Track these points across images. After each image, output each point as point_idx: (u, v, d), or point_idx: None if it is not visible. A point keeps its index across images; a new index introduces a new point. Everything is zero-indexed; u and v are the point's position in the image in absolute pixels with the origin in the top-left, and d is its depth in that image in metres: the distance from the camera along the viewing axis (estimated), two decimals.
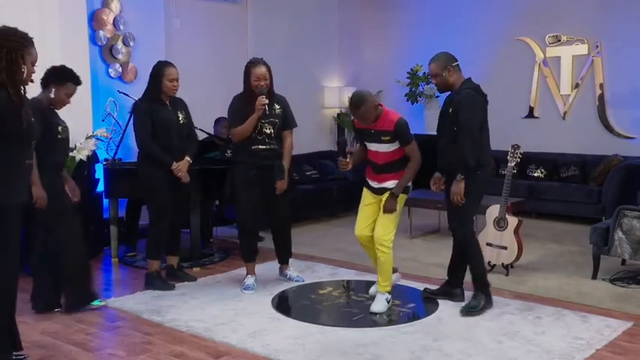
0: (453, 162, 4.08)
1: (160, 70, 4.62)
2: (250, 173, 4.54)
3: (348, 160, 4.25)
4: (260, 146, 4.55)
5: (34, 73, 3.17)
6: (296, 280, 4.85)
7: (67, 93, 4.12)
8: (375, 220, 4.23)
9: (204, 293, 4.58)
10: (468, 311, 4.09)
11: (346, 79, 9.42)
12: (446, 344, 3.59)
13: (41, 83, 4.08)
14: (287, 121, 4.68)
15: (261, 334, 3.77)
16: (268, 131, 4.55)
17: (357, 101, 4.07)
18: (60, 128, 4.11)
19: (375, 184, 4.26)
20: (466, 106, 3.99)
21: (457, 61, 4.16)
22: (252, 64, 4.54)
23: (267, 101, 4.43)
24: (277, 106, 4.62)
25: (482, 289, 4.18)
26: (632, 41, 7.19)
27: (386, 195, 4.15)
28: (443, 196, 4.44)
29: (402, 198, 4.21)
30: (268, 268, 5.16)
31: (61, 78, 4.10)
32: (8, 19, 5.69)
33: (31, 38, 3.14)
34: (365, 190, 4.32)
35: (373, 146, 4.21)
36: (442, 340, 3.64)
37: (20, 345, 3.41)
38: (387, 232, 4.15)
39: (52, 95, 4.06)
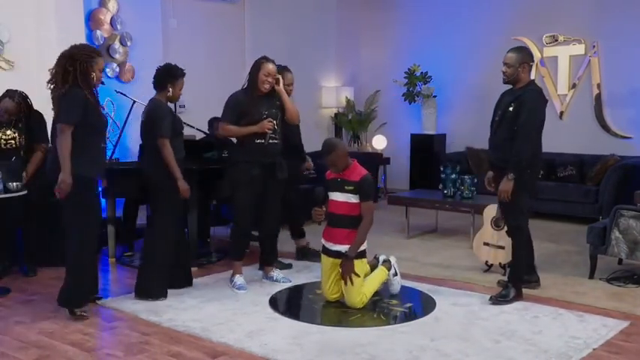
0: (508, 159, 4.19)
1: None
2: (253, 172, 4.53)
3: (323, 209, 4.35)
4: (264, 141, 4.54)
5: (101, 78, 4.07)
6: (282, 282, 4.80)
7: (180, 87, 4.56)
8: (337, 281, 4.29)
9: (202, 293, 4.58)
10: (498, 299, 4.25)
11: (344, 78, 9.43)
12: (443, 344, 3.59)
13: (156, 85, 4.54)
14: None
15: (259, 333, 3.77)
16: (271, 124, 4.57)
17: (328, 147, 4.22)
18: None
19: (330, 245, 4.31)
20: (530, 107, 4.12)
21: (534, 62, 4.32)
22: (264, 59, 4.61)
23: (271, 126, 4.50)
24: (278, 102, 4.65)
25: (516, 283, 4.32)
26: (628, 41, 7.22)
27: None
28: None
29: (361, 263, 4.24)
30: None
31: (174, 76, 4.52)
32: (5, 18, 5.72)
33: (97, 50, 4.14)
34: (323, 257, 4.38)
35: (335, 195, 4.29)
36: (439, 340, 3.64)
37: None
38: (359, 297, 4.19)
39: (170, 93, 4.51)
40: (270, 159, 4.57)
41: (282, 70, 4.82)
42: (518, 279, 4.36)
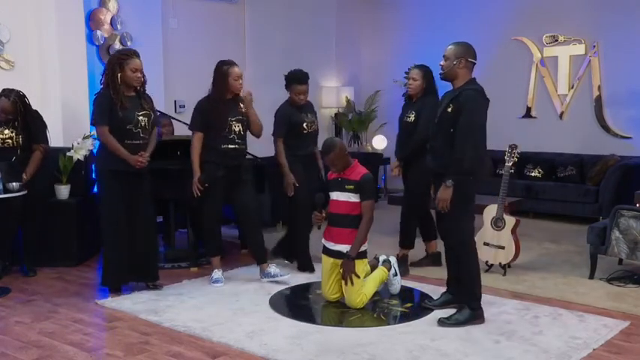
0: (448, 165, 3.78)
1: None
2: (218, 173, 4.69)
3: (323, 214, 4.36)
4: (230, 145, 4.71)
5: (136, 77, 4.34)
6: (280, 276, 4.82)
7: (296, 92, 5.00)
8: (338, 281, 4.29)
9: (202, 293, 4.58)
10: (446, 322, 3.85)
11: (344, 78, 9.42)
12: (443, 344, 3.59)
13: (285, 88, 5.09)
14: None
15: (259, 333, 3.77)
16: (237, 129, 4.72)
17: (327, 147, 4.24)
18: (305, 124, 5.00)
19: (330, 245, 4.32)
20: (471, 108, 3.71)
21: (476, 60, 3.88)
22: (228, 64, 4.73)
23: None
24: (242, 105, 4.80)
25: (470, 303, 3.88)
26: (629, 41, 7.21)
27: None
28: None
29: (362, 264, 4.26)
30: None
31: (288, 81, 5.03)
32: (5, 18, 5.71)
33: (133, 51, 4.44)
34: (323, 257, 4.38)
35: (336, 195, 4.30)
36: (440, 340, 3.64)
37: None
38: (359, 297, 4.19)
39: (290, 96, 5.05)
40: (235, 161, 4.74)
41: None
42: (473, 297, 3.89)
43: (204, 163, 4.71)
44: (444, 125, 3.83)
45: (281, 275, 4.82)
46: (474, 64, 3.89)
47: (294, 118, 5.00)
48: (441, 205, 3.79)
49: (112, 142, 4.31)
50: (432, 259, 5.26)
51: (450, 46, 3.89)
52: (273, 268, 4.88)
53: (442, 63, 3.91)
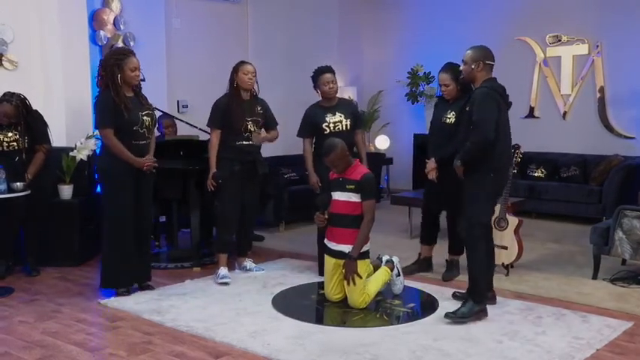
0: (469, 162, 3.93)
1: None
2: (235, 168, 4.79)
3: (325, 216, 4.37)
4: (244, 142, 4.83)
5: (136, 76, 4.31)
6: (256, 270, 5.05)
7: (323, 82, 4.91)
8: (340, 282, 4.29)
9: (205, 293, 4.58)
10: (456, 318, 3.90)
11: (347, 79, 9.42)
12: (446, 344, 3.59)
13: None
14: (270, 122, 5.04)
15: (262, 333, 3.77)
16: (252, 128, 4.85)
17: (328, 148, 4.27)
18: (325, 124, 4.89)
19: (332, 245, 4.33)
20: (478, 103, 3.87)
21: (494, 61, 4.05)
22: (242, 62, 4.89)
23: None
24: (259, 108, 4.93)
25: (476, 298, 3.96)
26: (632, 41, 7.21)
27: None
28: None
29: (364, 264, 4.26)
30: (269, 267, 5.21)
31: (314, 78, 4.97)
32: (9, 18, 5.72)
33: (129, 50, 4.46)
34: (326, 258, 4.40)
35: (337, 195, 4.32)
36: (442, 340, 3.64)
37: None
38: (361, 297, 4.20)
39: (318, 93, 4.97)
40: (250, 157, 4.86)
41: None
42: (476, 290, 3.98)
43: (219, 160, 4.80)
44: (464, 125, 4.04)
45: (256, 270, 5.06)
46: (492, 64, 4.08)
47: (315, 118, 4.95)
48: (459, 173, 3.97)
49: (117, 145, 4.29)
50: (420, 265, 5.08)
51: (467, 51, 4.08)
52: (249, 263, 5.11)
53: (462, 67, 4.12)
